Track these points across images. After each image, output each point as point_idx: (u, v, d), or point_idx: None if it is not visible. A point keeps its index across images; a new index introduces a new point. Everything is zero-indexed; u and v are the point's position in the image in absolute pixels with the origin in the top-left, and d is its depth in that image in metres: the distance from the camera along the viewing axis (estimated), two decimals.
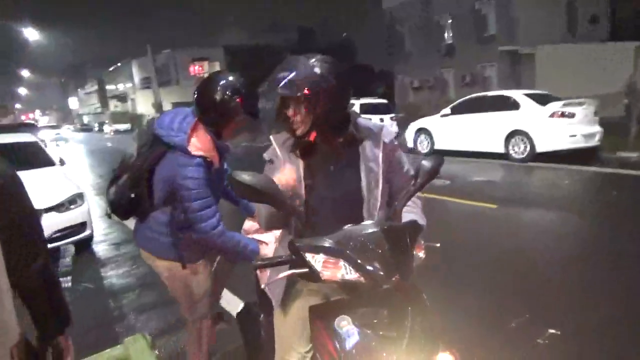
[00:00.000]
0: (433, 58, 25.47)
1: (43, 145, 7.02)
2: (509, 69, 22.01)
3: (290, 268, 1.48)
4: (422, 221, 1.74)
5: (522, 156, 10.53)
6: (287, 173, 1.66)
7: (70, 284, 4.82)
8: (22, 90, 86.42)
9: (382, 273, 1.38)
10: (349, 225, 1.52)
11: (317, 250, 1.42)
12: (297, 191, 1.67)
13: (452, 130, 12.05)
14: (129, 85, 54.21)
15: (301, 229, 1.55)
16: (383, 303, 1.45)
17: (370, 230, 1.45)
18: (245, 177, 1.42)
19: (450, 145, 12.15)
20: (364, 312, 1.46)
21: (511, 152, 10.73)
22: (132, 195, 2.21)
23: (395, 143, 1.79)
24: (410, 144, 13.35)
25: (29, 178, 5.84)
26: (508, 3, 21.82)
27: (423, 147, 12.98)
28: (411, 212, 1.74)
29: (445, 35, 25.54)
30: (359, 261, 1.38)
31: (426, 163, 1.65)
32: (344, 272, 1.40)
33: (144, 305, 4.12)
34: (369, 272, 1.38)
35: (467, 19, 23.53)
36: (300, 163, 1.71)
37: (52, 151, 7.20)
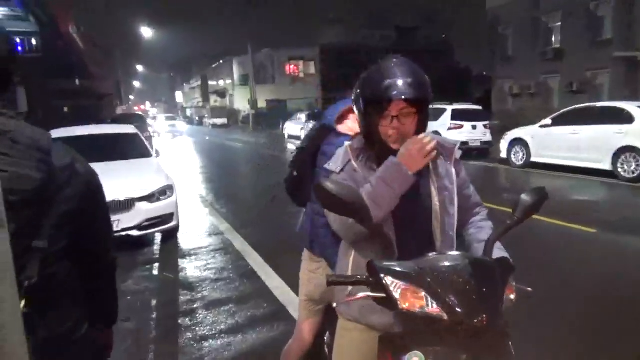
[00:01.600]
0: (537, 62, 23.95)
1: (149, 135, 7.53)
2: (623, 78, 20.05)
3: (366, 290, 1.41)
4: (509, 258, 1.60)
5: (632, 176, 9.55)
6: None
7: (155, 272, 5.12)
8: (136, 83, 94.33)
9: (467, 311, 1.28)
10: (434, 253, 1.44)
11: (398, 276, 1.34)
12: None
13: (551, 143, 11.33)
14: (229, 81, 56.95)
15: (382, 251, 1.46)
16: (462, 346, 1.32)
17: (457, 263, 1.36)
18: (333, 186, 1.35)
19: (548, 158, 11.48)
20: (439, 353, 1.33)
21: (619, 170, 9.79)
22: (295, 174, 2.25)
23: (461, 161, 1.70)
24: (503, 154, 12.77)
25: (126, 168, 6.43)
26: (630, 4, 19.82)
27: (517, 158, 12.34)
28: (500, 249, 1.60)
29: (553, 38, 23.87)
30: (443, 295, 1.29)
31: (527, 198, 1.54)
32: (425, 304, 1.31)
33: (215, 301, 4.25)
34: (453, 308, 1.28)
35: (579, 20, 21.78)
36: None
37: (159, 141, 7.71)
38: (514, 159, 12.42)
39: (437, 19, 52.31)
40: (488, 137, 15.42)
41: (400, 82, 1.47)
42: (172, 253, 5.76)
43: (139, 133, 7.48)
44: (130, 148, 6.98)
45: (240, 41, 43.89)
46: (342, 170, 1.63)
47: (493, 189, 9.35)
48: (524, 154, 12.13)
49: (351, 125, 2.12)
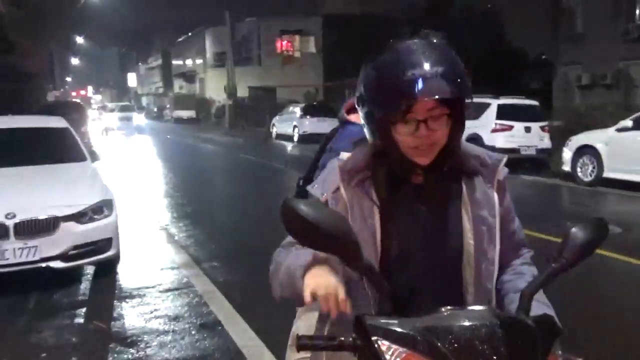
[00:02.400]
0: (615, 44, 24.09)
1: (87, 131, 7.57)
2: None
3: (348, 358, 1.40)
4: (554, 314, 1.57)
5: None
6: (357, 221, 1.56)
7: (82, 319, 5.05)
8: (75, 61, 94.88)
9: None
10: (449, 307, 1.38)
11: (397, 338, 1.29)
12: (367, 247, 1.55)
13: (632, 153, 11.36)
14: (199, 61, 57.32)
15: (377, 302, 1.46)
16: None
17: (481, 322, 1.31)
18: (306, 208, 1.31)
19: (627, 174, 11.47)
20: None
21: None
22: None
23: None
24: (567, 167, 12.80)
25: (49, 175, 6.40)
26: None
27: (586, 173, 12.39)
28: (543, 303, 1.57)
29: (638, 11, 24.02)
30: None
31: (579, 233, 1.50)
32: None
33: None
34: None
35: None
36: (374, 206, 1.58)
37: (106, 141, 7.73)
38: (580, 174, 12.43)
39: None
40: (546, 142, 15.44)
41: (429, 74, 1.41)
42: (108, 293, 5.69)
43: (69, 128, 7.47)
44: (56, 148, 7.00)
45: (215, 7, 44.13)
46: (330, 197, 1.62)
47: (551, 214, 9.35)
48: (594, 167, 12.14)
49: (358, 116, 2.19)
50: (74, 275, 6.10)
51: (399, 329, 1.30)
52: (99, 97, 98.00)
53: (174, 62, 68.27)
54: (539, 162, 15.12)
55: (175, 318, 5.00)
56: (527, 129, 15.14)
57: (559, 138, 15.65)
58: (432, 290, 1.56)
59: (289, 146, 24.72)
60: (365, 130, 1.59)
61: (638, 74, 24.20)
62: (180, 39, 63.35)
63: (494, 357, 1.25)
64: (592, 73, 25.47)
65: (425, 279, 1.58)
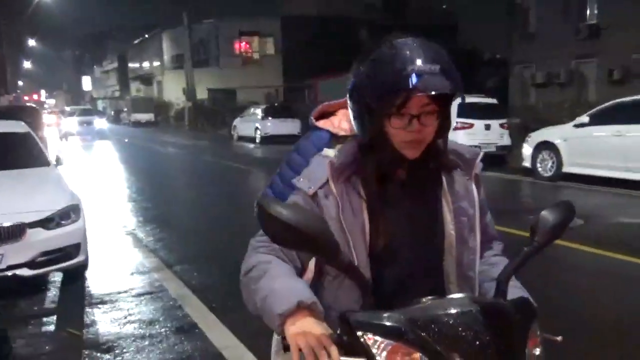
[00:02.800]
0: (568, 43, 24.72)
1: (43, 135, 7.42)
2: None
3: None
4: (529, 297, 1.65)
5: None
6: (348, 216, 1.57)
7: (54, 327, 4.94)
8: (27, 64, 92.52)
9: None
10: (429, 297, 1.42)
11: (383, 331, 1.31)
12: (357, 242, 1.58)
13: (590, 148, 11.66)
14: (157, 64, 56.59)
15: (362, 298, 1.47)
16: None
17: (462, 309, 1.34)
18: (283, 210, 1.31)
19: (585, 168, 11.78)
20: None
21: None
22: None
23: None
24: (527, 163, 13.06)
25: (13, 180, 6.23)
26: None
27: (545, 168, 12.66)
28: (517, 287, 1.66)
29: (588, 10, 24.69)
30: (447, 355, 1.29)
31: (548, 216, 1.57)
32: None
33: None
34: None
35: None
36: (363, 202, 1.60)
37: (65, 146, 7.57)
38: (540, 169, 12.71)
39: None
40: (506, 140, 15.77)
41: (428, 70, 1.44)
42: (79, 300, 5.58)
43: (31, 132, 7.36)
44: (18, 154, 6.85)
45: (172, 9, 43.67)
46: (316, 191, 1.61)
47: (513, 209, 9.49)
48: (553, 163, 12.43)
49: (338, 124, 2.12)
50: (42, 284, 5.96)
51: (383, 322, 1.32)
52: (52, 101, 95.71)
53: (131, 64, 67.23)
54: (500, 159, 15.39)
55: (150, 322, 4.91)
56: (487, 127, 15.42)
57: (518, 135, 15.99)
58: (419, 283, 1.59)
59: (251, 146, 24.69)
60: (355, 125, 1.61)
61: (590, 72, 24.89)
62: (136, 41, 62.43)
63: (477, 342, 1.28)
64: (546, 72, 26.09)
65: (412, 271, 1.61)
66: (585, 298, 5.45)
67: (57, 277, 6.15)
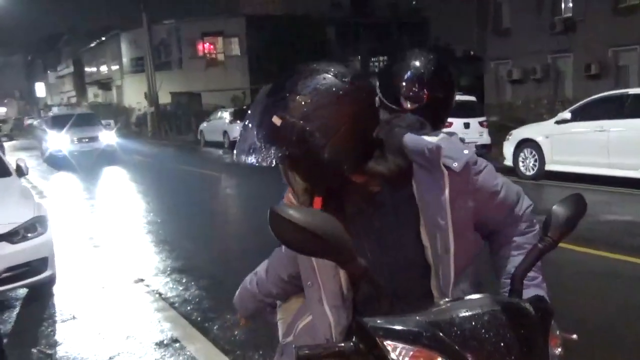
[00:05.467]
0: (543, 38, 25.13)
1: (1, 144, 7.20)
2: None
3: None
4: (546, 295, 1.68)
5: None
6: None
7: (23, 346, 4.81)
8: None
9: None
10: (447, 300, 1.46)
11: (402, 336, 1.30)
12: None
13: (572, 144, 11.81)
14: (115, 67, 55.82)
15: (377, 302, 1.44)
16: None
17: (483, 310, 1.35)
18: (299, 215, 1.30)
19: (569, 166, 11.93)
20: None
21: None
22: None
23: (476, 164, 1.61)
24: (508, 162, 13.19)
25: None
26: None
27: (527, 166, 12.81)
28: (533, 284, 1.67)
29: (563, 5, 25.13)
30: (473, 358, 1.29)
31: (560, 210, 1.58)
32: None
33: None
34: None
35: None
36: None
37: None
38: (522, 168, 12.85)
39: None
40: (485, 138, 15.95)
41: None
42: (48, 317, 5.47)
43: None
44: None
45: (130, 9, 43.26)
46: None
47: None
48: (535, 160, 12.58)
49: None
50: (7, 301, 5.85)
51: (403, 327, 1.32)
52: (3, 109, 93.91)
53: (87, 69, 66.24)
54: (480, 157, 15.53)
55: (127, 338, 4.83)
56: (466, 125, 15.54)
57: (496, 133, 16.15)
58: (401, 298, 1.55)
59: (219, 151, 24.56)
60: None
61: (566, 67, 25.31)
62: (92, 44, 61.49)
63: (502, 344, 1.29)
64: (522, 67, 26.45)
65: (391, 287, 1.57)
66: (571, 295, 5.50)
67: (21, 293, 6.04)
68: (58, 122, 22.26)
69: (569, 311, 5.07)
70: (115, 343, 4.73)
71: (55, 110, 26.58)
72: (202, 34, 45.88)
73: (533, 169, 12.62)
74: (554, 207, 1.58)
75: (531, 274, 1.63)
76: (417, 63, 2.08)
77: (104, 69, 60.35)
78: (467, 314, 1.34)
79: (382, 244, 1.61)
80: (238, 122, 26.12)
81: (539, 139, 12.48)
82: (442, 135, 1.60)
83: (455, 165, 1.53)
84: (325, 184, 1.55)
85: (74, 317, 5.39)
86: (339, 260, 1.36)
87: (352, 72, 1.47)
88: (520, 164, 12.90)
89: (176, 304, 5.62)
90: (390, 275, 1.60)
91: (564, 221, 1.56)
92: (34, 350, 4.70)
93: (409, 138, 1.57)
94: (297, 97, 1.40)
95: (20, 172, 7.03)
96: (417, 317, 1.34)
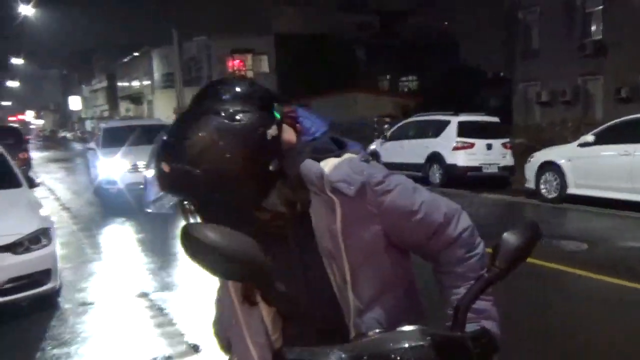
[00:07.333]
0: (572, 60, 24.83)
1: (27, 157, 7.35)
2: None
3: None
4: (496, 328, 1.53)
5: None
6: None
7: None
8: (13, 84, 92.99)
9: None
10: (377, 331, 1.39)
11: None
12: None
13: (595, 168, 11.60)
14: (147, 82, 56.78)
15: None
16: None
17: (412, 344, 1.30)
18: (209, 233, 1.24)
19: (591, 189, 11.70)
20: None
21: None
22: None
23: (382, 184, 1.49)
24: (530, 184, 13.03)
25: None
26: None
27: (549, 189, 12.59)
28: (483, 316, 1.53)
29: (593, 26, 24.84)
30: None
31: (511, 237, 1.46)
32: None
33: None
34: None
35: (627, 3, 22.76)
36: None
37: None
38: (544, 191, 12.62)
39: (434, 1, 53.94)
40: (509, 160, 15.71)
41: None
42: (51, 331, 5.44)
43: (3, 154, 7.31)
44: None
45: (162, 26, 43.93)
46: None
47: None
48: (557, 184, 12.35)
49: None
50: (9, 311, 5.83)
51: (327, 358, 1.28)
52: (41, 122, 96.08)
53: (120, 83, 67.47)
54: (502, 180, 15.32)
55: (125, 352, 4.80)
56: (489, 146, 15.37)
57: (521, 155, 15.93)
58: (327, 331, 1.50)
59: None
60: None
61: (596, 89, 24.96)
62: (125, 60, 62.70)
63: None
64: (551, 89, 26.17)
65: (315, 321, 1.54)
66: (584, 324, 5.36)
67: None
68: (113, 137, 14.82)
69: (578, 337, 4.93)
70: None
71: (111, 123, 21.58)
72: (232, 50, 46.40)
73: (555, 192, 12.36)
74: (505, 234, 1.47)
75: (482, 304, 1.52)
76: None
77: (135, 83, 61.40)
78: (395, 346, 1.29)
79: (295, 280, 1.53)
80: None
81: (561, 162, 12.26)
82: (345, 156, 1.51)
83: (350, 189, 1.45)
84: (226, 225, 1.47)
85: (77, 332, 5.38)
86: (257, 283, 1.32)
87: (248, 105, 1.42)
88: (542, 187, 12.66)
89: (176, 320, 5.57)
90: (310, 309, 1.53)
91: (514, 249, 1.45)
92: None
93: (305, 165, 1.48)
94: (183, 142, 1.36)
95: (33, 183, 7.13)
96: (338, 350, 1.28)
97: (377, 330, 1.39)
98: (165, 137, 1.42)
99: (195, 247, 1.24)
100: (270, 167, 1.41)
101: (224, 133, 1.36)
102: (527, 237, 1.48)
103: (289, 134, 1.74)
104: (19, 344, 5.13)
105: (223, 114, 1.38)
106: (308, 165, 1.48)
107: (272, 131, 1.42)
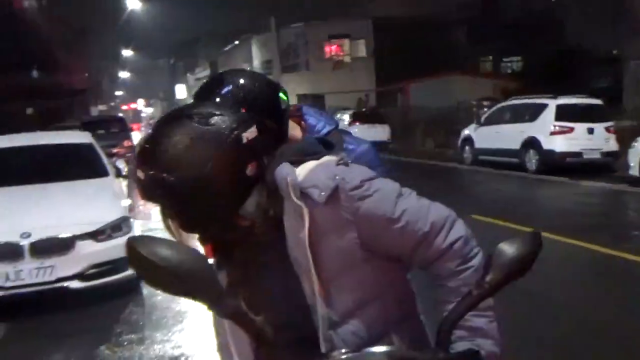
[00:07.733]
0: None
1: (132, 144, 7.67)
2: None
3: None
4: (493, 347, 1.40)
5: None
6: None
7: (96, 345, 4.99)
8: (124, 74, 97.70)
9: None
10: (343, 351, 1.32)
11: None
12: None
13: None
14: (247, 69, 58.14)
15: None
16: None
17: None
18: (153, 248, 1.19)
19: None
20: None
21: None
22: None
23: (360, 188, 1.39)
24: (634, 171, 12.15)
25: (69, 192, 6.43)
26: None
27: None
28: (479, 335, 1.40)
29: None
30: None
31: (507, 248, 1.30)
32: None
33: None
34: None
35: None
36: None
37: None
38: None
39: None
40: (612, 145, 14.83)
41: None
42: (133, 314, 5.71)
43: (93, 143, 7.58)
44: (78, 164, 7.12)
45: (261, 14, 44.66)
46: None
47: (611, 224, 8.90)
48: None
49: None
50: (92, 296, 6.09)
51: None
52: (150, 110, 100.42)
53: (222, 71, 69.41)
54: (605, 167, 14.45)
55: None
56: (590, 131, 14.58)
57: (629, 140, 14.96)
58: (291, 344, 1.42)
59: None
60: None
61: None
62: (226, 48, 64.28)
63: None
64: None
65: (293, 334, 1.45)
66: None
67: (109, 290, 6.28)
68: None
69: None
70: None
71: None
72: (329, 36, 46.50)
73: None
74: (500, 244, 1.32)
75: (478, 321, 1.39)
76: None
77: None
78: None
79: (275, 289, 1.47)
80: (357, 124, 26.16)
81: None
82: (323, 159, 1.43)
83: (321, 195, 1.36)
84: (206, 232, 1.43)
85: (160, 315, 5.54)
86: (207, 301, 1.24)
87: (225, 107, 1.39)
88: None
89: None
90: (288, 323, 1.44)
91: (508, 262, 1.29)
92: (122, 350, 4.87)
93: (278, 169, 1.40)
94: (156, 148, 1.32)
95: (119, 173, 7.38)
96: None
97: (343, 351, 1.31)
98: (141, 143, 1.38)
99: (139, 263, 1.20)
100: (247, 172, 1.35)
101: (196, 138, 1.31)
102: (525, 248, 1.31)
103: (295, 131, 1.68)
104: (97, 327, 5.36)
105: (195, 118, 1.34)
106: (280, 170, 1.41)
107: (248, 134, 1.35)
